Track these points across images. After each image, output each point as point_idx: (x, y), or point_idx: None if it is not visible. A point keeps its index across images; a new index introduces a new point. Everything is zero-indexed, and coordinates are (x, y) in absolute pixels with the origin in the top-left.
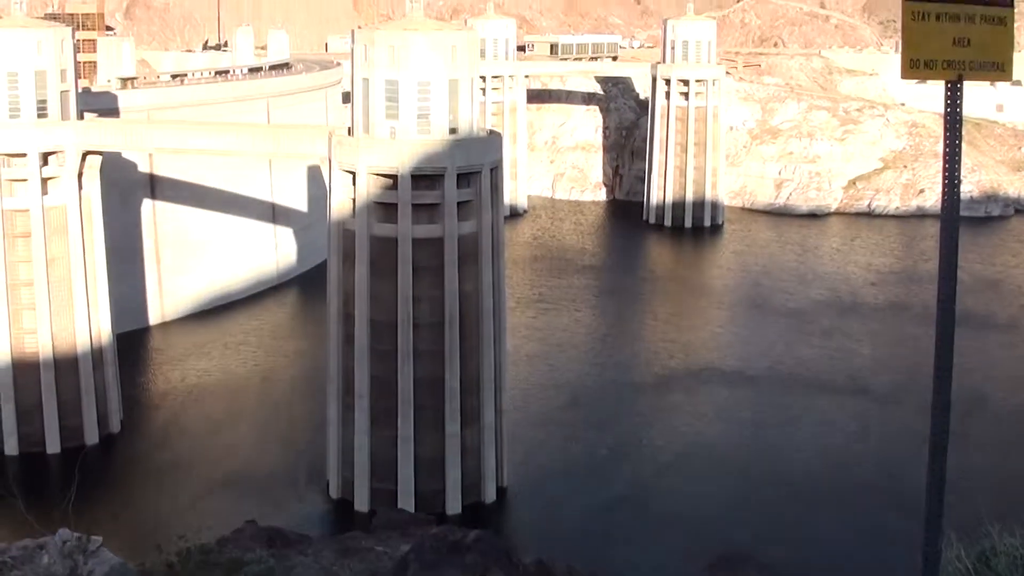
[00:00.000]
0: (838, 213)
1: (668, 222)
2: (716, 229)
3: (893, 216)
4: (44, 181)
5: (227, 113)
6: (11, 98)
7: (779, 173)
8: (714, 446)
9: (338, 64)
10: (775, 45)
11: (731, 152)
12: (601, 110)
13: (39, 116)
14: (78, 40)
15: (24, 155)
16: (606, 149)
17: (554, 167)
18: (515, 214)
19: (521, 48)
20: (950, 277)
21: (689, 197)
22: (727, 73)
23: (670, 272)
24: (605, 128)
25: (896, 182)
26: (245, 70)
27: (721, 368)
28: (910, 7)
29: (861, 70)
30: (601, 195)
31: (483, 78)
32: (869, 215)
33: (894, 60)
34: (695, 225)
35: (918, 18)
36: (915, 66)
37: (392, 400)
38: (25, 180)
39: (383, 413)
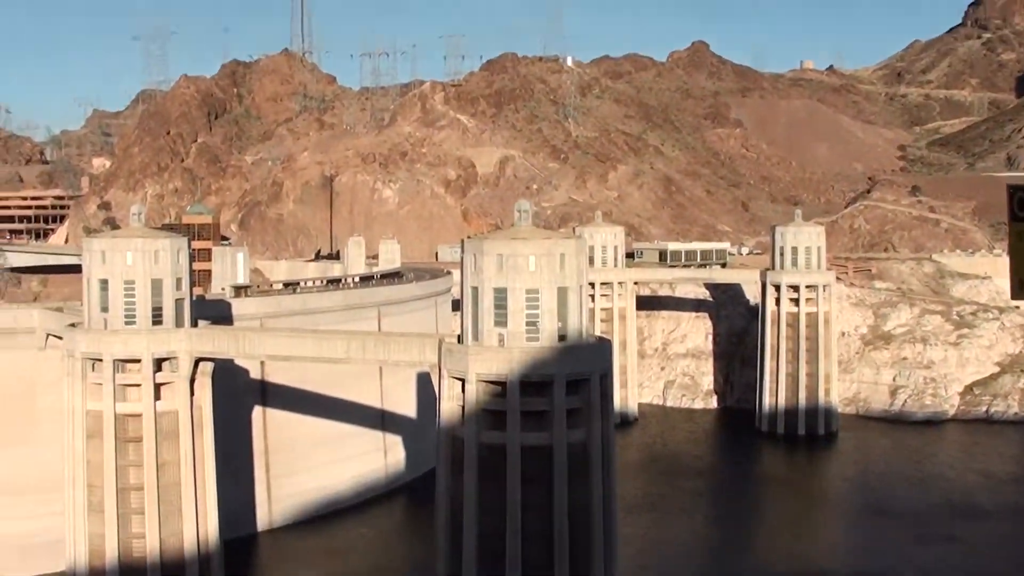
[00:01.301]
0: (955, 420)
1: (781, 430)
2: (830, 437)
3: (1012, 422)
4: (157, 387)
5: (339, 321)
6: (127, 305)
7: (893, 379)
8: None
9: (448, 272)
10: (885, 250)
11: (843, 358)
12: (711, 317)
13: (154, 323)
14: (194, 249)
15: (138, 361)
16: (717, 356)
17: (664, 374)
18: (626, 422)
19: (630, 255)
20: None
21: (802, 404)
22: (837, 278)
23: (785, 480)
24: (715, 335)
25: (1014, 387)
26: (357, 279)
27: None
28: (1017, 228)
29: (973, 273)
30: (712, 403)
31: (592, 285)
32: (987, 421)
33: (1007, 263)
34: (809, 433)
35: None
36: None
37: None
38: (139, 385)
39: None
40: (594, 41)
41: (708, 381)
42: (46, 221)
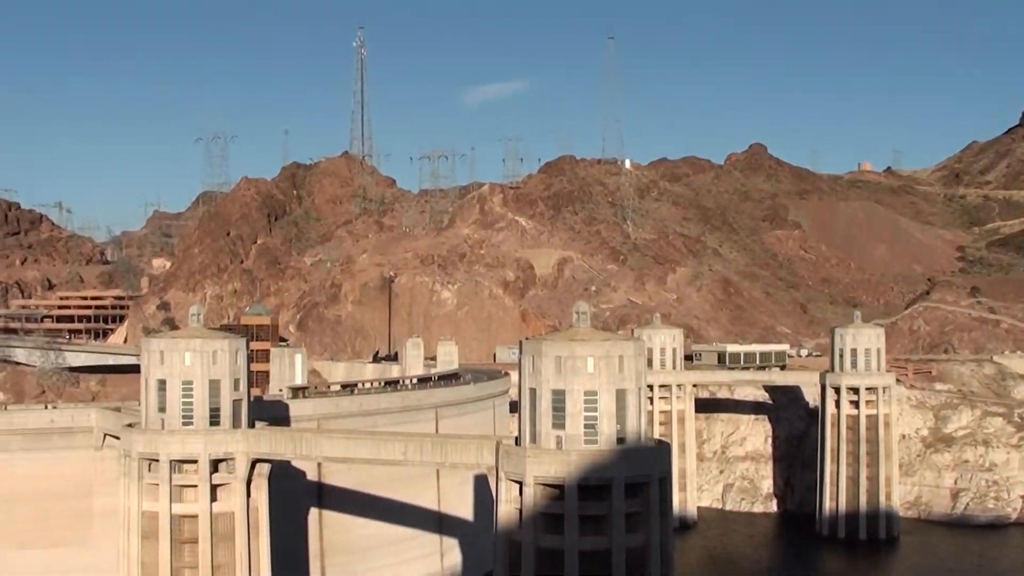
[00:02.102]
0: (1018, 523)
1: (842, 534)
2: (892, 541)
3: None
4: (214, 487)
5: (396, 422)
6: (185, 406)
7: (954, 482)
8: None
9: (506, 374)
10: (945, 351)
11: (904, 461)
12: (770, 419)
13: (211, 424)
14: (252, 350)
15: (195, 461)
16: (776, 459)
17: (724, 477)
18: (684, 526)
19: (688, 357)
20: None
21: (863, 508)
22: (897, 380)
23: None
24: (775, 438)
25: None
26: (414, 380)
27: None
28: None
29: None
30: (772, 506)
31: (651, 387)
32: None
33: None
34: (870, 537)
35: None
36: None
37: None
38: (195, 486)
39: None
40: (652, 143)
41: (768, 484)
42: (106, 321)
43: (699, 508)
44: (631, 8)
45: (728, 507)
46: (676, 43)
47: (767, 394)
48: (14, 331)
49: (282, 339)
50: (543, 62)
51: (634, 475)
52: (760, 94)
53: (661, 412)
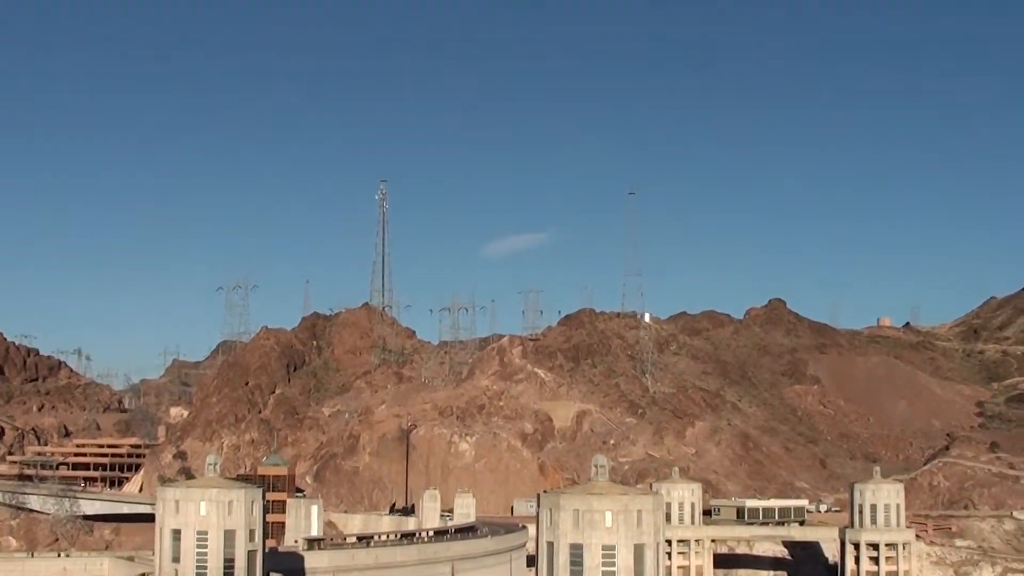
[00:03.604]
0: None
1: None
2: None
3: None
4: None
5: (412, 575)
6: (199, 556)
7: None
8: None
9: (523, 527)
10: (965, 507)
11: None
12: (789, 575)
13: (225, 574)
14: (268, 501)
15: None
16: None
17: None
18: None
19: (707, 512)
20: None
21: None
22: (917, 536)
23: None
24: None
25: None
26: (431, 533)
27: None
28: None
29: None
30: None
31: (669, 542)
32: None
33: None
34: None
35: None
36: None
37: None
38: None
39: None
40: (672, 297)
41: None
42: (121, 469)
43: None
44: (651, 164)
45: None
46: (696, 198)
47: (786, 549)
48: (29, 478)
49: (299, 490)
50: (563, 215)
51: None
52: (779, 250)
53: (679, 567)
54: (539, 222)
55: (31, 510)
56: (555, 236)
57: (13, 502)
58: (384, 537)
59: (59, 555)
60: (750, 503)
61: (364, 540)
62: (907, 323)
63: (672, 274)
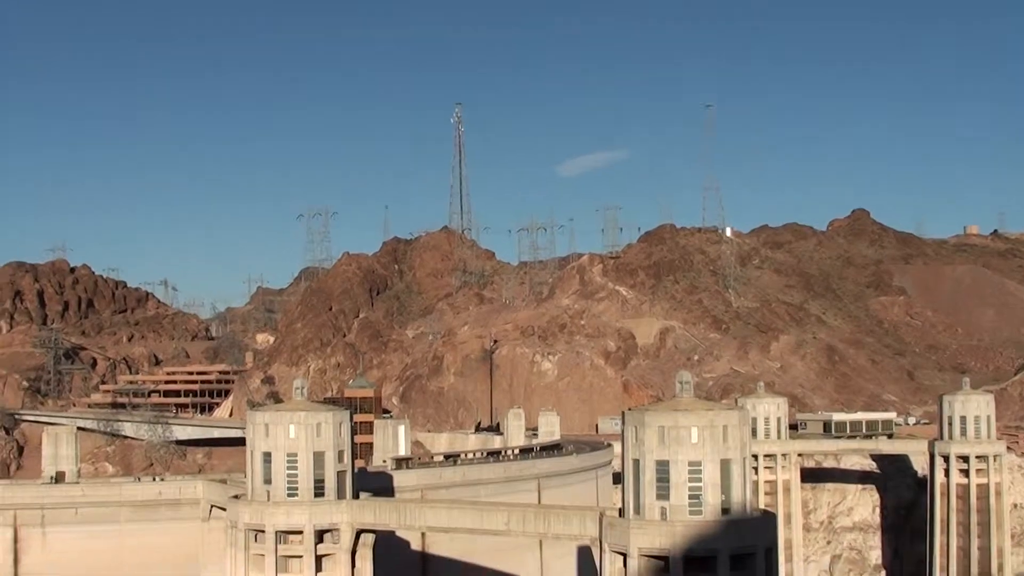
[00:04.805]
0: None
1: None
2: None
3: None
4: (319, 558)
5: (499, 493)
6: (290, 477)
7: None
8: None
9: (608, 445)
10: None
11: (1016, 531)
12: (878, 489)
13: (316, 495)
14: (355, 422)
15: (300, 532)
16: (884, 530)
17: (831, 548)
18: None
19: (793, 426)
20: None
21: None
22: (1008, 448)
23: None
24: (883, 508)
25: None
26: (516, 451)
27: None
28: None
29: None
30: None
31: (755, 457)
32: None
33: None
34: None
35: None
36: None
37: None
38: (300, 557)
39: None
40: (753, 210)
41: (876, 555)
42: (211, 395)
43: None
44: (729, 76)
45: None
46: (776, 108)
47: (874, 463)
48: (122, 406)
49: (385, 411)
50: (642, 131)
51: (740, 546)
52: (862, 159)
53: (766, 482)
54: (617, 138)
55: (125, 436)
56: (634, 152)
57: (108, 429)
58: (470, 455)
59: (154, 479)
60: (837, 417)
61: (451, 458)
62: (995, 231)
63: (753, 186)
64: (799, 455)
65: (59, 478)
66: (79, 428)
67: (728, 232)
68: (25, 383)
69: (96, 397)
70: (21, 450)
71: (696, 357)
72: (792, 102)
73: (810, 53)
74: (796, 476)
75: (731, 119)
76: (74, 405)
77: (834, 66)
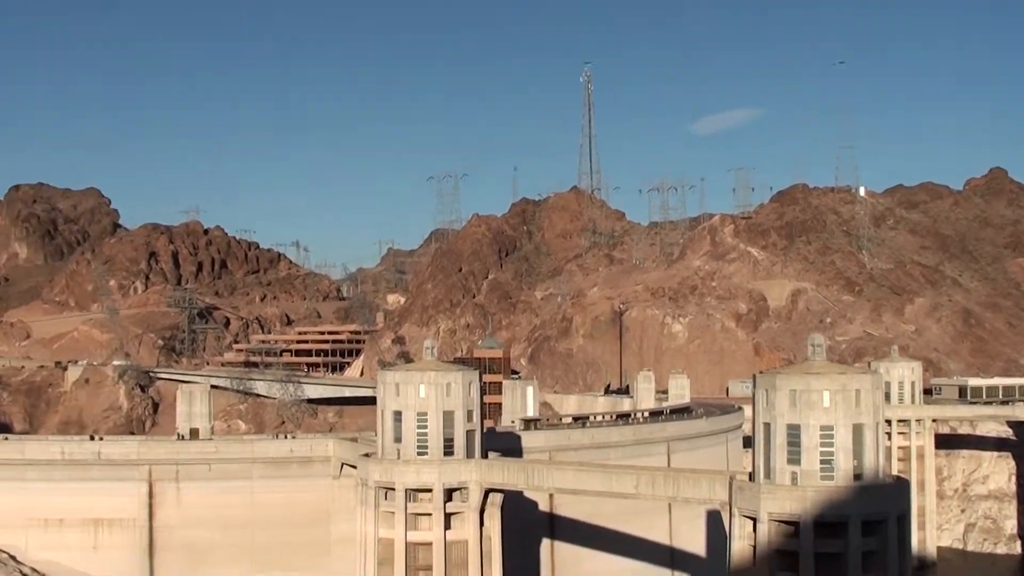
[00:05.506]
0: None
1: None
2: None
3: None
4: (447, 516)
5: (627, 456)
6: (420, 436)
7: None
8: None
9: (739, 408)
10: None
11: None
12: (1015, 457)
13: (445, 454)
14: (484, 383)
15: (429, 490)
16: (1021, 499)
17: (965, 516)
18: (923, 566)
19: (927, 391)
20: None
21: None
22: None
23: None
24: (1019, 476)
25: None
26: (646, 414)
27: None
28: None
29: None
30: (1017, 548)
31: (888, 422)
32: None
33: None
34: None
35: None
36: None
37: None
38: (429, 514)
39: None
40: (887, 170)
41: (1012, 525)
42: (342, 355)
43: (938, 548)
44: (862, 33)
45: (969, 548)
46: (910, 66)
47: (1011, 430)
48: (255, 365)
49: (514, 372)
50: (773, 90)
51: (871, 512)
52: (999, 116)
53: (899, 448)
54: (749, 97)
55: (258, 395)
56: (765, 111)
57: (241, 388)
58: (599, 418)
59: (286, 437)
60: (973, 382)
61: (580, 420)
62: None
63: (887, 145)
64: (933, 421)
65: (193, 435)
66: (212, 386)
67: (862, 192)
68: (160, 342)
69: (229, 356)
70: (156, 407)
71: (828, 320)
72: (927, 57)
73: (944, 1)
74: (930, 442)
75: (863, 76)
76: (207, 364)
77: (973, 13)
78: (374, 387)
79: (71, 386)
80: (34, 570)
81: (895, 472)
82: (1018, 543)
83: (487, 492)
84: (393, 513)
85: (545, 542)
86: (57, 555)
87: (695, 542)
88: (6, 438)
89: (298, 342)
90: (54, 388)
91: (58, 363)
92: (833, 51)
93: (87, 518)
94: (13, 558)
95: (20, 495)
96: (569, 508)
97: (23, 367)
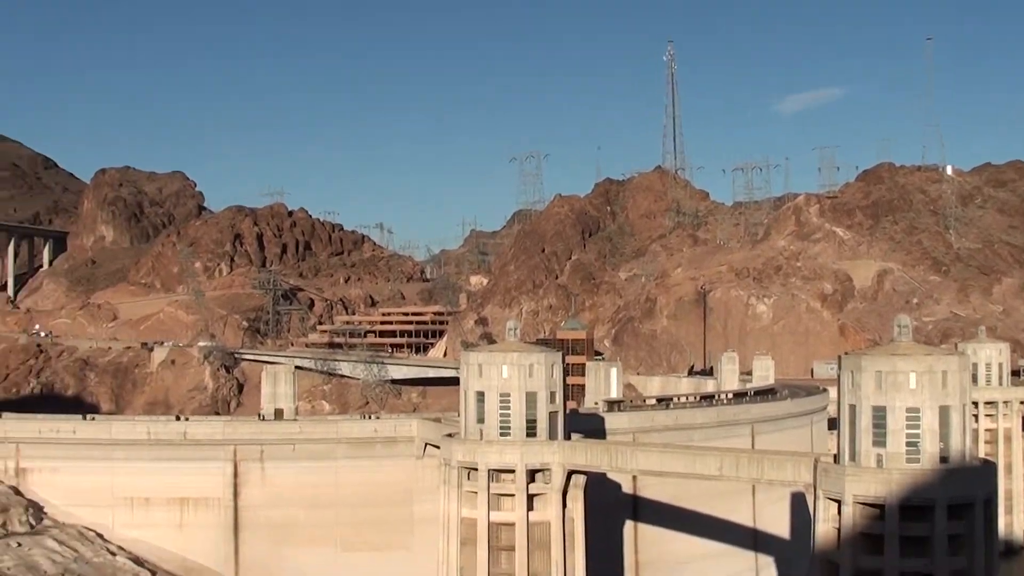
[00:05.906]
0: None
1: None
2: None
3: None
4: (530, 497)
5: (711, 437)
6: (502, 417)
7: None
8: None
9: (824, 390)
10: None
11: None
12: None
13: (528, 435)
14: (567, 364)
15: (512, 471)
16: None
17: None
18: (1010, 550)
19: (1016, 373)
20: None
21: None
22: None
23: None
24: None
25: None
26: (730, 395)
27: None
28: None
29: None
30: None
31: (975, 404)
32: None
33: None
34: None
35: None
36: None
37: None
38: (512, 495)
39: None
40: (975, 148)
41: None
42: (426, 336)
43: None
44: (950, 9)
45: None
46: (997, 42)
47: None
48: (339, 346)
49: (597, 353)
50: (859, 68)
51: (958, 496)
52: None
53: (986, 430)
54: (834, 76)
55: (342, 376)
56: (850, 89)
57: (325, 368)
58: (683, 399)
59: (370, 417)
60: None
61: (663, 402)
62: None
63: (975, 123)
64: (1021, 403)
65: (278, 415)
66: (297, 367)
67: (949, 170)
68: (245, 323)
69: (313, 337)
70: (241, 388)
71: (915, 300)
72: (1015, 32)
73: None
74: (1018, 425)
75: (952, 53)
76: (292, 345)
77: None
78: (457, 368)
79: (157, 367)
80: (121, 548)
81: (982, 455)
82: None
83: (570, 473)
84: (476, 493)
85: (628, 524)
86: (143, 533)
87: (779, 524)
88: (93, 418)
89: (382, 323)
90: (140, 369)
91: (144, 344)
92: (920, 28)
93: (173, 497)
94: (100, 536)
95: (107, 474)
96: (653, 490)
97: (110, 348)
